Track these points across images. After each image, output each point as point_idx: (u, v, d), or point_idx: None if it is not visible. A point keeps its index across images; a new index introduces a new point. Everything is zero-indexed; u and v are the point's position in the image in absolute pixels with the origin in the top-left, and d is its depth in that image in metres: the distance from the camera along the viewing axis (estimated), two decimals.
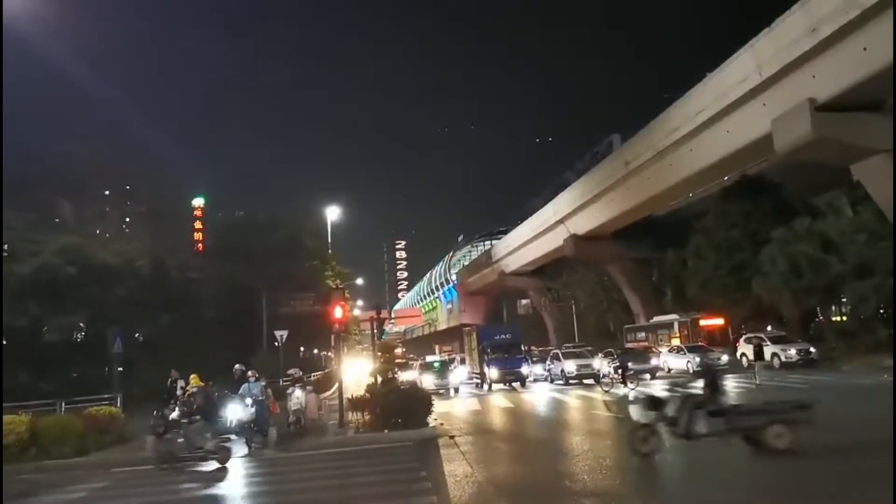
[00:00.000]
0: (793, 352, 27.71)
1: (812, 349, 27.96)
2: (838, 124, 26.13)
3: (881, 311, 29.50)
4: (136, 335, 30.20)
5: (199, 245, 53.44)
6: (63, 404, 20.07)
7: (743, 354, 30.43)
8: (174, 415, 14.26)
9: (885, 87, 24.69)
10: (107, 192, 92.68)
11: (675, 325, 38.78)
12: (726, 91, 30.78)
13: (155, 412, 16.13)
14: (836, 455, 9.45)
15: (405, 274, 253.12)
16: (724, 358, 29.30)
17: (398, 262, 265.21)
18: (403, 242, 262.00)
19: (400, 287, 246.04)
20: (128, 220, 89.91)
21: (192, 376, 15.95)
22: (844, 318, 35.79)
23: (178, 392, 15.85)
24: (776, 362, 27.82)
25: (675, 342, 36.29)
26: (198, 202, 74.23)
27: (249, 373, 15.18)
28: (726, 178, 39.52)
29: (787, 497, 7.62)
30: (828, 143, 26.62)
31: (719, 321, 37.39)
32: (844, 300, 33.32)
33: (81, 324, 29.07)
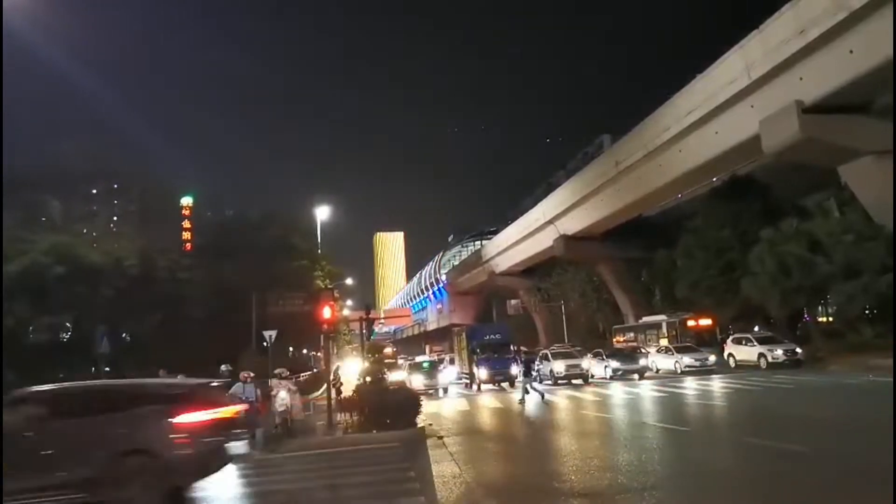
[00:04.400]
0: (779, 352, 27.89)
1: (798, 349, 28.15)
2: (825, 126, 26.34)
3: (867, 311, 29.72)
4: (124, 335, 29.99)
5: (188, 244, 53.09)
6: None
7: (730, 355, 30.63)
8: None
9: (872, 89, 24.95)
10: (95, 191, 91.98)
11: (664, 326, 38.97)
12: (716, 92, 30.96)
13: None
14: (834, 455, 9.49)
15: (394, 272, 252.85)
16: (712, 358, 29.50)
17: (388, 259, 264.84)
18: (395, 238, 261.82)
19: (389, 285, 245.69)
20: (116, 218, 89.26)
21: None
22: (831, 318, 36.03)
23: None
24: (763, 363, 28.00)
25: (664, 342, 36.45)
26: (186, 201, 73.71)
27: (243, 374, 14.93)
28: (715, 178, 39.74)
29: (782, 496, 7.65)
30: (815, 144, 26.84)
31: (707, 321, 37.59)
32: (831, 301, 33.54)
33: (68, 323, 28.84)
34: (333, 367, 21.47)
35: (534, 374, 24.51)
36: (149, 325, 29.32)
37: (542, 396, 20.94)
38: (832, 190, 32.38)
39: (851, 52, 23.78)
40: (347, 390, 18.80)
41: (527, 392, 20.88)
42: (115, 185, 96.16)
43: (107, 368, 21.58)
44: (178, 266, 32.97)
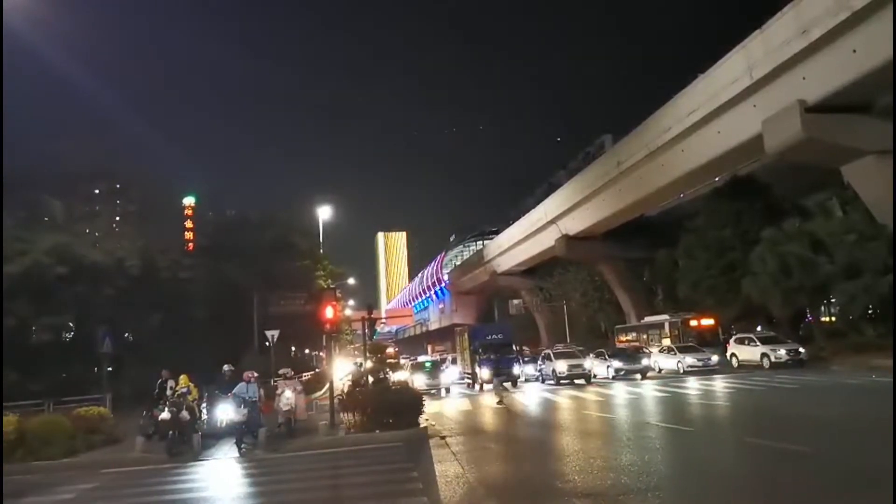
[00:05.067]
0: (782, 352, 27.84)
1: (801, 349, 28.10)
2: (828, 126, 26.28)
3: (869, 311, 29.70)
4: (126, 335, 29.99)
5: (190, 244, 53.13)
6: (51, 405, 19.94)
7: (733, 355, 30.61)
8: (164, 415, 14.19)
9: (874, 89, 24.90)
10: (97, 191, 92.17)
11: (666, 326, 38.90)
12: (718, 92, 30.91)
13: (144, 413, 16.06)
14: (837, 455, 9.47)
15: (396, 272, 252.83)
16: (714, 358, 29.46)
17: (390, 259, 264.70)
18: (398, 237, 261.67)
19: (391, 285, 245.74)
20: (118, 218, 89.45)
21: (181, 377, 15.87)
22: (833, 318, 36.00)
23: (168, 392, 15.75)
24: (766, 362, 27.96)
25: (666, 342, 36.41)
26: (188, 201, 73.73)
27: (247, 374, 14.89)
28: (717, 178, 39.70)
29: (785, 497, 7.64)
30: (818, 144, 26.78)
31: (710, 321, 37.52)
32: (834, 301, 33.51)
33: (70, 323, 28.84)
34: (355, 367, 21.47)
35: (503, 374, 24.68)
36: (151, 325, 29.31)
37: (501, 401, 20.97)
38: (833, 190, 32.35)
39: (855, 51, 23.74)
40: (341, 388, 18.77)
41: (505, 391, 20.91)
42: (117, 185, 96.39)
43: (109, 368, 21.57)
44: (180, 266, 32.93)
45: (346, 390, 17.00)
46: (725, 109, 30.97)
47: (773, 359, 27.75)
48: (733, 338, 31.99)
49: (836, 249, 28.30)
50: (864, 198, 27.93)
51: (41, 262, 25.76)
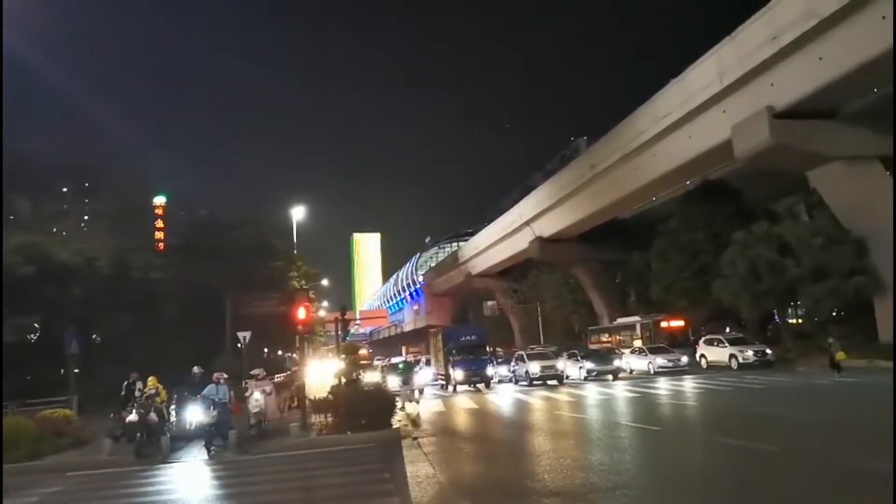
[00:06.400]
0: (750, 353, 28.33)
1: (768, 350, 28.62)
2: (796, 132, 26.80)
3: (834, 313, 30.31)
4: (94, 336, 29.48)
5: (161, 244, 52.35)
6: (14, 406, 19.55)
7: (702, 356, 31.05)
8: (131, 417, 13.99)
9: (840, 96, 25.48)
10: (65, 190, 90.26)
11: (638, 327, 39.30)
12: (690, 97, 31.32)
13: (112, 415, 15.82)
14: (803, 454, 9.66)
15: (371, 273, 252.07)
16: (684, 359, 29.86)
17: (365, 260, 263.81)
18: (372, 239, 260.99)
19: (366, 286, 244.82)
20: (87, 217, 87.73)
21: (150, 378, 15.66)
22: (800, 320, 36.66)
23: (137, 394, 15.53)
24: (734, 363, 28.42)
25: (638, 343, 36.78)
26: (159, 200, 72.34)
27: (216, 375, 14.73)
28: (689, 182, 40.22)
29: (752, 494, 7.76)
30: (785, 149, 27.30)
31: (680, 323, 38.00)
32: (801, 303, 34.12)
33: (36, 324, 28.26)
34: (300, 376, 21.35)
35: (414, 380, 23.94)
36: (121, 325, 28.84)
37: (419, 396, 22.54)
38: (803, 194, 32.96)
39: (820, 59, 24.23)
40: (322, 392, 18.68)
41: (409, 401, 20.55)
42: (87, 184, 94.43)
43: (76, 370, 21.19)
44: (151, 266, 32.40)
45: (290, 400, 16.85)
46: (697, 114, 31.40)
47: (740, 360, 28.23)
48: (703, 339, 32.45)
49: (803, 253, 28.84)
50: (830, 202, 28.55)
51: (8, 261, 25.24)
